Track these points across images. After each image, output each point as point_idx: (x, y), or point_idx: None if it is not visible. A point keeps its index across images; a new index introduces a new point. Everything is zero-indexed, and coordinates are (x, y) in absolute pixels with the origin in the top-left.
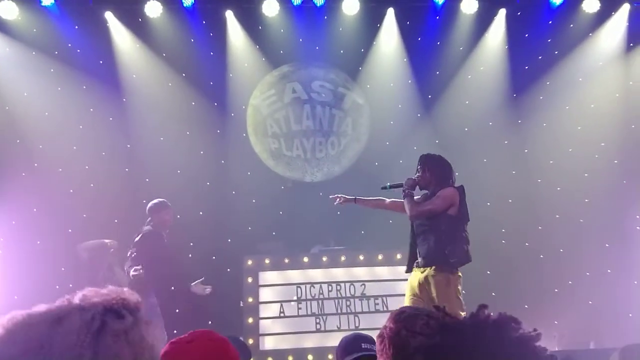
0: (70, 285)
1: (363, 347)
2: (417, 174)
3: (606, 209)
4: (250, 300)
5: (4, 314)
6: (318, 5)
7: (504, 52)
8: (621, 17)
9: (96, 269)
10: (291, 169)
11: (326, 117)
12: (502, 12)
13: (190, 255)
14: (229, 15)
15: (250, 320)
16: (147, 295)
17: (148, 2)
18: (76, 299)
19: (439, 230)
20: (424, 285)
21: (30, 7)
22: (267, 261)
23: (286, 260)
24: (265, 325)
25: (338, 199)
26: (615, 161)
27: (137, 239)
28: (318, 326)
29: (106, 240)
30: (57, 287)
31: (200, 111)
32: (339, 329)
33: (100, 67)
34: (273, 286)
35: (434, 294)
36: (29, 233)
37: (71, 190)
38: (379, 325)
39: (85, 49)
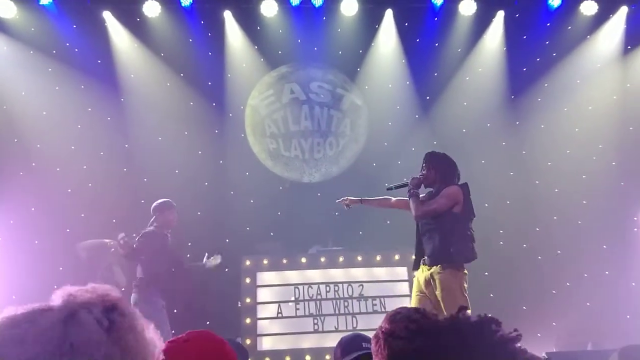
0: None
1: (364, 346)
2: (422, 172)
3: (604, 210)
4: (248, 300)
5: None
6: (316, 6)
7: (502, 53)
8: (619, 19)
9: (94, 269)
10: (289, 169)
11: (324, 117)
12: (500, 14)
13: (188, 255)
14: (228, 15)
15: (248, 320)
16: (152, 295)
17: (146, 2)
18: (57, 298)
19: (444, 228)
20: (429, 282)
21: (28, 6)
22: (265, 262)
23: (284, 261)
24: (263, 326)
25: (344, 201)
26: (613, 163)
27: (138, 237)
28: (316, 327)
29: (106, 240)
30: (55, 286)
31: (199, 111)
32: (336, 330)
33: (98, 66)
34: (271, 287)
35: (440, 291)
36: (26, 232)
37: (69, 190)
38: (377, 326)
39: (83, 48)
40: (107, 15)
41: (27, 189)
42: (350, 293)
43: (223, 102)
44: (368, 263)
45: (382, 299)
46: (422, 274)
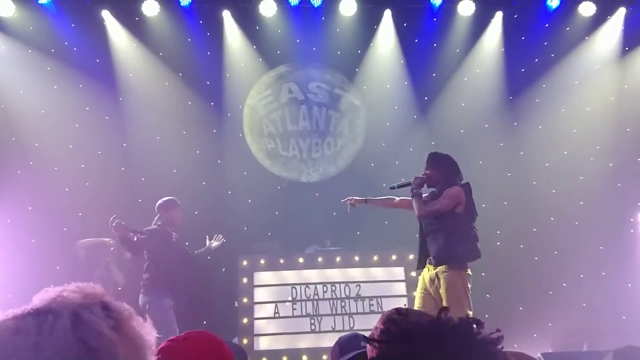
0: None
1: (362, 345)
2: (425, 172)
3: (601, 211)
4: (245, 300)
5: None
6: (315, 6)
7: (501, 54)
8: (617, 21)
9: (92, 268)
10: (287, 169)
11: (322, 117)
12: (498, 15)
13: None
14: (226, 15)
15: (245, 320)
16: (159, 296)
17: (145, 1)
18: (42, 299)
19: (447, 228)
20: (434, 281)
21: (27, 4)
22: (262, 261)
23: (281, 261)
24: (260, 326)
25: (349, 202)
26: (610, 164)
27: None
28: (313, 327)
29: (105, 239)
30: (52, 285)
31: (197, 111)
32: (333, 330)
33: (97, 65)
34: (268, 286)
35: (444, 291)
36: (24, 231)
37: (67, 189)
38: (374, 326)
39: (81, 47)
40: (106, 14)
41: (25, 188)
42: (347, 293)
43: (221, 102)
44: (365, 263)
45: (379, 299)
46: (427, 273)
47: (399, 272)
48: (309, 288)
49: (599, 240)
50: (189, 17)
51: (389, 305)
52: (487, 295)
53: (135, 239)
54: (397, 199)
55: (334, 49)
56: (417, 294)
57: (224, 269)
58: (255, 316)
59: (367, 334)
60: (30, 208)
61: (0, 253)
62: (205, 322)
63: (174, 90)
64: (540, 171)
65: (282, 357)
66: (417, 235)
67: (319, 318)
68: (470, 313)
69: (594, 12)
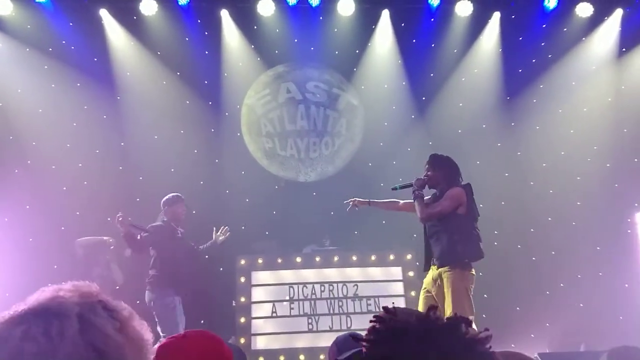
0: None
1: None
2: (426, 174)
3: (598, 212)
4: (242, 299)
5: None
6: (313, 5)
7: (498, 55)
8: (614, 22)
9: (90, 266)
10: (285, 168)
11: (320, 117)
12: (496, 15)
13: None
14: (224, 14)
15: (243, 319)
16: (165, 293)
17: (143, 0)
18: (40, 299)
19: (450, 229)
20: (436, 281)
21: (24, 3)
22: (259, 261)
23: (279, 260)
24: (257, 325)
25: (352, 203)
26: (608, 164)
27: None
28: (310, 326)
29: (105, 237)
30: (50, 284)
31: (195, 110)
32: (331, 330)
33: (95, 64)
34: (265, 286)
35: (446, 290)
36: (21, 230)
37: (64, 188)
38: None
39: (79, 46)
40: (104, 13)
41: (23, 187)
42: (344, 293)
43: (219, 101)
44: (363, 263)
45: (376, 299)
46: (430, 273)
47: (396, 271)
48: (306, 287)
49: (596, 240)
50: (187, 16)
51: (387, 304)
52: (485, 295)
53: (139, 237)
54: (401, 202)
55: (332, 48)
56: (420, 295)
57: (221, 268)
58: (253, 315)
59: (364, 333)
60: (27, 207)
61: None
62: (202, 322)
63: (171, 90)
64: (538, 171)
65: (280, 356)
66: (415, 236)
67: (317, 318)
68: (472, 314)
69: (591, 13)
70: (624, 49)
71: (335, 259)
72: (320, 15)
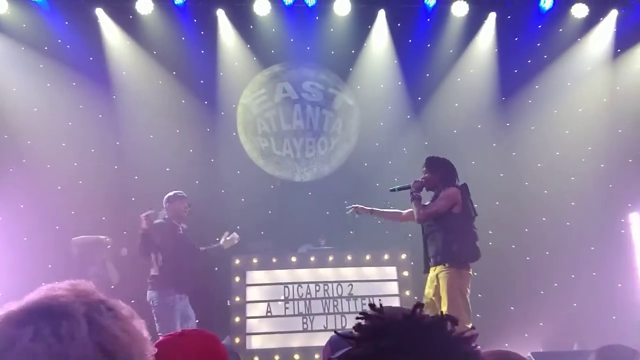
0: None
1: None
2: (423, 176)
3: (592, 212)
4: (237, 299)
5: None
6: (309, 5)
7: (494, 55)
8: (609, 22)
9: (86, 265)
10: (281, 168)
11: (316, 117)
12: (492, 16)
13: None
14: (220, 13)
15: (237, 319)
16: (166, 292)
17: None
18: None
19: (445, 228)
20: (434, 282)
21: (20, 2)
22: (254, 260)
23: (274, 260)
24: (252, 325)
25: (353, 209)
26: (602, 165)
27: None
28: (305, 326)
29: (101, 237)
30: (44, 284)
31: (190, 109)
32: (325, 329)
33: (90, 63)
34: (260, 285)
35: (441, 290)
36: (16, 229)
37: (59, 187)
38: None
39: (75, 45)
40: (100, 12)
41: (17, 186)
42: (339, 292)
43: (215, 101)
44: (357, 262)
45: (371, 299)
46: (429, 276)
47: (391, 271)
48: (301, 287)
49: (590, 240)
50: (183, 16)
51: (382, 304)
52: (479, 295)
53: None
54: (404, 212)
55: (328, 48)
56: (424, 297)
57: (216, 268)
58: (248, 315)
59: None
60: (22, 206)
61: None
62: (197, 321)
63: (167, 89)
64: (533, 172)
65: (274, 356)
66: (409, 235)
67: (311, 317)
68: (467, 314)
69: (587, 13)
70: (619, 50)
71: (330, 258)
72: (316, 15)
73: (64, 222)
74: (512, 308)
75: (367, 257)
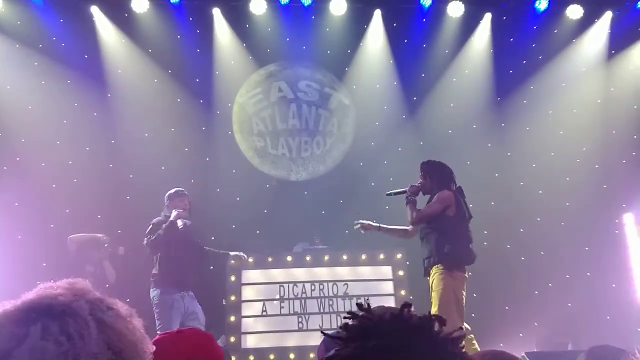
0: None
1: None
2: (420, 181)
3: (587, 212)
4: (232, 298)
5: None
6: (305, 4)
7: (489, 55)
8: (603, 24)
9: (82, 263)
10: (276, 167)
11: (312, 116)
12: (487, 16)
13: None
14: (216, 12)
15: (232, 318)
16: (166, 291)
17: None
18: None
19: (438, 230)
20: (430, 285)
21: None
22: (250, 260)
23: (269, 259)
24: (247, 324)
25: (360, 225)
26: (596, 165)
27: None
28: (300, 325)
29: (99, 235)
30: (38, 282)
31: (186, 108)
32: (321, 328)
33: (85, 61)
34: (256, 284)
35: (433, 291)
36: (10, 227)
37: (54, 185)
38: None
39: (70, 43)
40: (95, 10)
41: (11, 184)
42: (335, 292)
43: (210, 99)
44: (353, 262)
45: (366, 298)
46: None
47: (386, 270)
48: (296, 286)
49: (585, 241)
50: (179, 14)
51: (377, 304)
52: (474, 295)
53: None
54: (410, 228)
55: (324, 48)
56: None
57: (211, 267)
58: (243, 314)
59: None
60: (16, 204)
61: None
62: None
63: (163, 87)
64: (527, 172)
65: (269, 355)
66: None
67: (307, 316)
68: (458, 316)
69: (581, 15)
70: (613, 51)
71: (326, 258)
72: (312, 14)
73: (58, 221)
74: (506, 308)
75: (363, 257)
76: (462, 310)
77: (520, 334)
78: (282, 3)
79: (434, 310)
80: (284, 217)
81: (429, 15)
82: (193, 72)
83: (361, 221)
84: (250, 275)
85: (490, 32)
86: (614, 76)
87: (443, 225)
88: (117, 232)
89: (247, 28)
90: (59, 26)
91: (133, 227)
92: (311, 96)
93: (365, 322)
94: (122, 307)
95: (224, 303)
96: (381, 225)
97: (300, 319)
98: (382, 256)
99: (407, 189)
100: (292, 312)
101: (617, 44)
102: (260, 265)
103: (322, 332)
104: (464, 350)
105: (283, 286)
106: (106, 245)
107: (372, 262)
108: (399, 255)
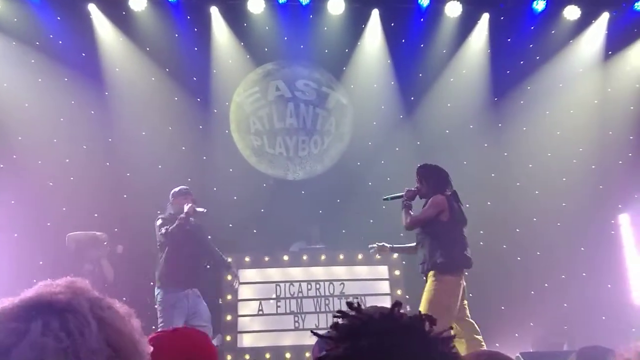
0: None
1: None
2: (416, 186)
3: (583, 213)
4: (229, 297)
5: None
6: (303, 4)
7: (487, 56)
8: (600, 25)
9: (80, 262)
10: (273, 166)
11: (310, 115)
12: (485, 17)
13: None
14: (214, 11)
15: (229, 317)
16: (169, 290)
17: None
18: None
19: (432, 235)
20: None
21: None
22: (246, 259)
23: (266, 258)
24: (243, 323)
25: (375, 249)
26: (593, 166)
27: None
28: (296, 324)
29: (98, 233)
30: (35, 280)
31: (183, 106)
32: (317, 328)
33: (83, 59)
34: (252, 284)
35: (424, 294)
36: (6, 226)
37: (50, 183)
38: None
39: (67, 40)
40: (92, 8)
41: (8, 182)
42: (331, 291)
43: (208, 98)
44: (349, 261)
45: (363, 298)
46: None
47: (383, 270)
48: (293, 286)
49: (581, 241)
50: (177, 13)
51: (373, 303)
52: (470, 295)
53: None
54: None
55: (322, 47)
56: None
57: (208, 266)
58: (239, 313)
59: None
60: (13, 202)
61: None
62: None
63: (160, 86)
64: (524, 172)
65: (266, 354)
66: (401, 235)
67: (303, 316)
68: (448, 318)
69: (579, 16)
70: (610, 52)
71: (322, 257)
72: (310, 13)
73: (55, 219)
74: (502, 308)
75: (359, 256)
76: (451, 316)
77: (516, 334)
78: (280, 2)
79: (420, 309)
80: (280, 216)
81: (426, 15)
82: (190, 70)
83: (376, 244)
84: (247, 274)
85: (488, 32)
86: (610, 77)
87: (437, 230)
88: (114, 230)
89: (244, 27)
90: (56, 24)
91: (130, 225)
92: (309, 95)
93: (355, 322)
94: (120, 306)
95: (220, 302)
96: (393, 245)
97: (296, 318)
98: (378, 256)
99: (403, 193)
100: (288, 311)
101: (614, 45)
102: (256, 264)
103: (312, 332)
104: (454, 350)
105: (279, 285)
106: (105, 243)
107: (369, 261)
108: (395, 255)
